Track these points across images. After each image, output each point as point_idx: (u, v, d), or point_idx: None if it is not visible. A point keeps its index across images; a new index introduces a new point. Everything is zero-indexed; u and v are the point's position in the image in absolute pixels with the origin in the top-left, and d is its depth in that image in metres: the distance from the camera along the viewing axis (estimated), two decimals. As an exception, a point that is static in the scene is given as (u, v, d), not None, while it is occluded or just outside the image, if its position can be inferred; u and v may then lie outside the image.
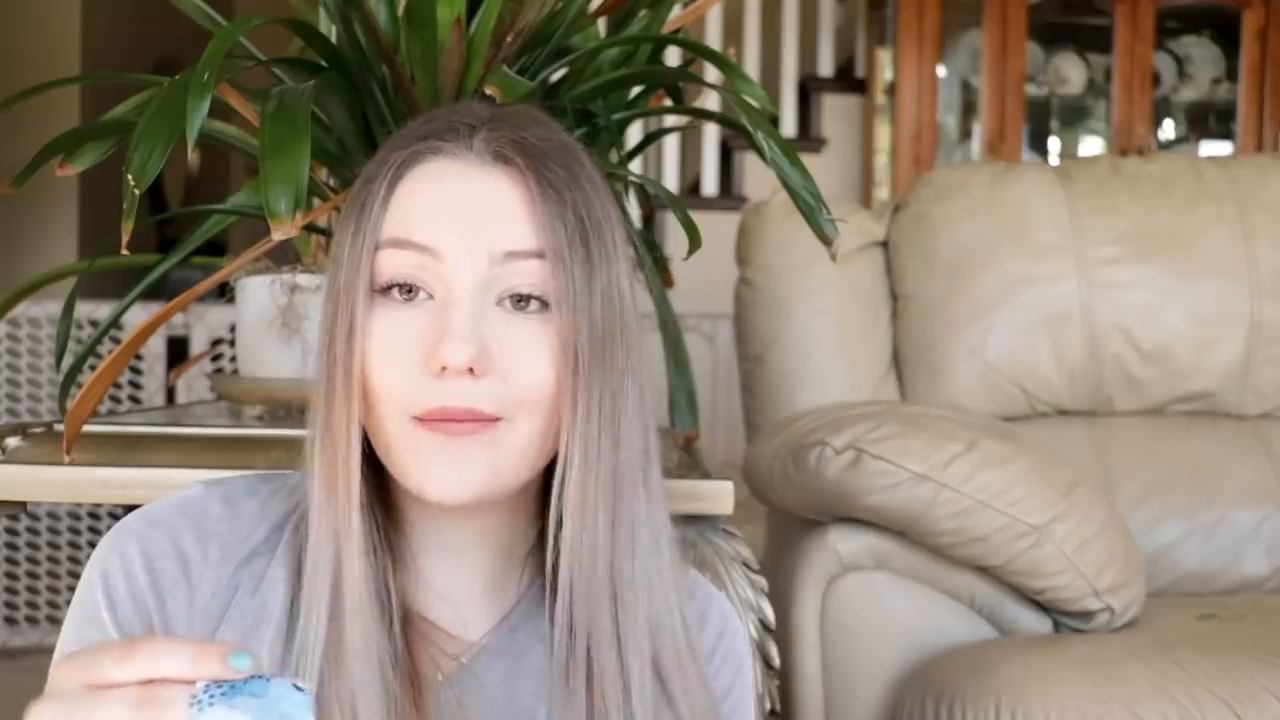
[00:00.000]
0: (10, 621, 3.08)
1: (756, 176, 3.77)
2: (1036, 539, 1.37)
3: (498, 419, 0.66)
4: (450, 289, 0.66)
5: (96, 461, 0.99)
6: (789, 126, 3.89)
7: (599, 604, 0.68)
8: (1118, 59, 3.73)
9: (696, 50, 1.09)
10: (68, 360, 1.14)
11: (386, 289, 0.67)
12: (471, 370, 0.65)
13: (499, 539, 0.74)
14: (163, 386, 3.05)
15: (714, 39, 3.82)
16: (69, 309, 1.08)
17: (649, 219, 3.36)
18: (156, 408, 2.67)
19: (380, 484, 0.71)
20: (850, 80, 4.05)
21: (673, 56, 3.20)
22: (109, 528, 0.75)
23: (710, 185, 3.87)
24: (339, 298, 0.67)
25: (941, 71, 3.80)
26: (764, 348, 1.92)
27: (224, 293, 1.14)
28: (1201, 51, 3.97)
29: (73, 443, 0.96)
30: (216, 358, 3.01)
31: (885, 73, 3.88)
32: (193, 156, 1.05)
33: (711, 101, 3.21)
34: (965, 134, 3.98)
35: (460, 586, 0.74)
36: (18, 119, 1.48)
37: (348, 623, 0.66)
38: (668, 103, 1.30)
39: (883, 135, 3.86)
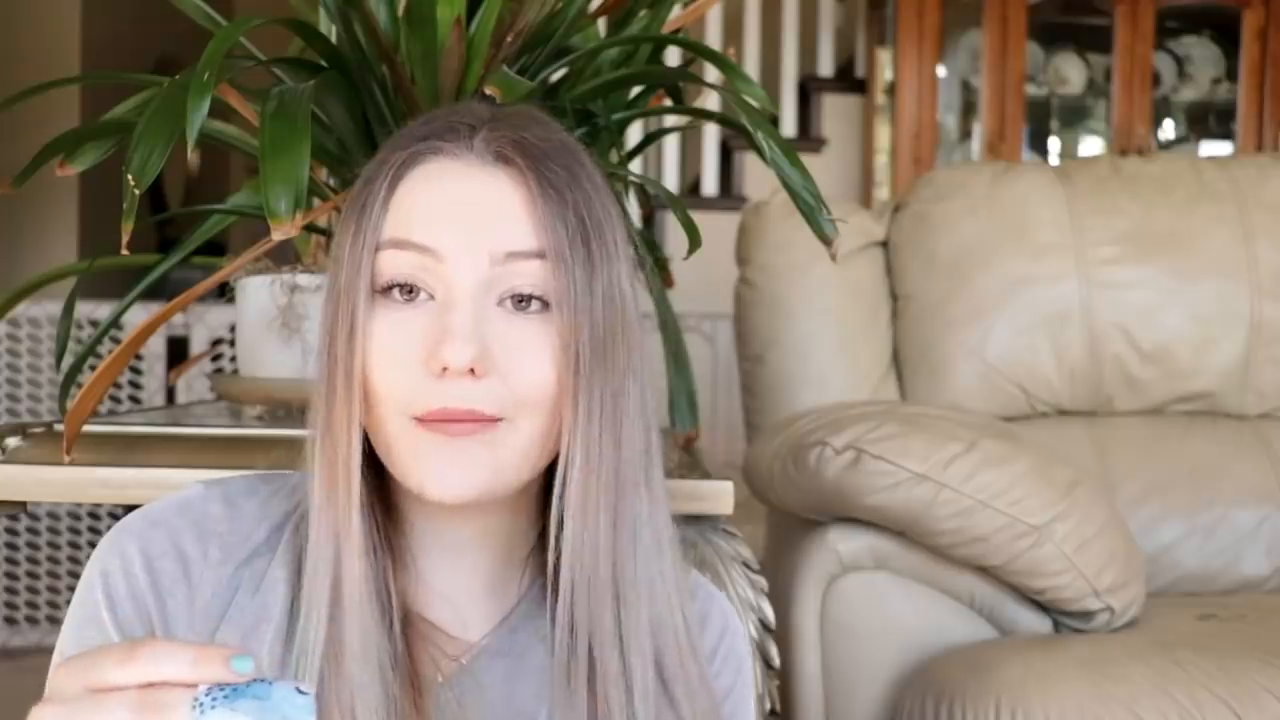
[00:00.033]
0: (10, 621, 3.08)
1: (756, 176, 3.77)
2: (1036, 539, 1.37)
3: (499, 419, 0.66)
4: (451, 289, 0.66)
5: (96, 461, 0.99)
6: (789, 126, 3.89)
7: (601, 604, 0.68)
8: (1118, 59, 3.73)
9: (696, 50, 1.09)
10: (68, 360, 1.14)
11: (387, 289, 0.67)
12: (472, 371, 0.65)
13: (499, 539, 0.74)
14: (163, 386, 3.05)
15: (714, 39, 3.82)
16: (69, 309, 1.08)
17: (649, 219, 3.36)
18: (156, 408, 2.67)
19: (381, 484, 0.71)
20: (850, 80, 4.05)
21: (673, 56, 3.20)
22: (109, 528, 0.75)
23: (710, 185, 3.87)
24: (339, 298, 0.67)
25: (941, 71, 3.80)
26: (764, 348, 1.92)
27: (224, 293, 1.14)
28: (1201, 51, 3.97)
29: (73, 443, 0.96)
30: (216, 358, 3.01)
31: (885, 73, 3.88)
32: (193, 156, 1.05)
33: (711, 101, 3.21)
34: (965, 134, 3.98)
35: (460, 587, 0.73)
36: (18, 119, 1.48)
37: (347, 623, 0.66)
38: (668, 103, 1.30)
39: (883, 135, 3.86)
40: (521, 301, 0.67)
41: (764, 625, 1.05)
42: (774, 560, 1.65)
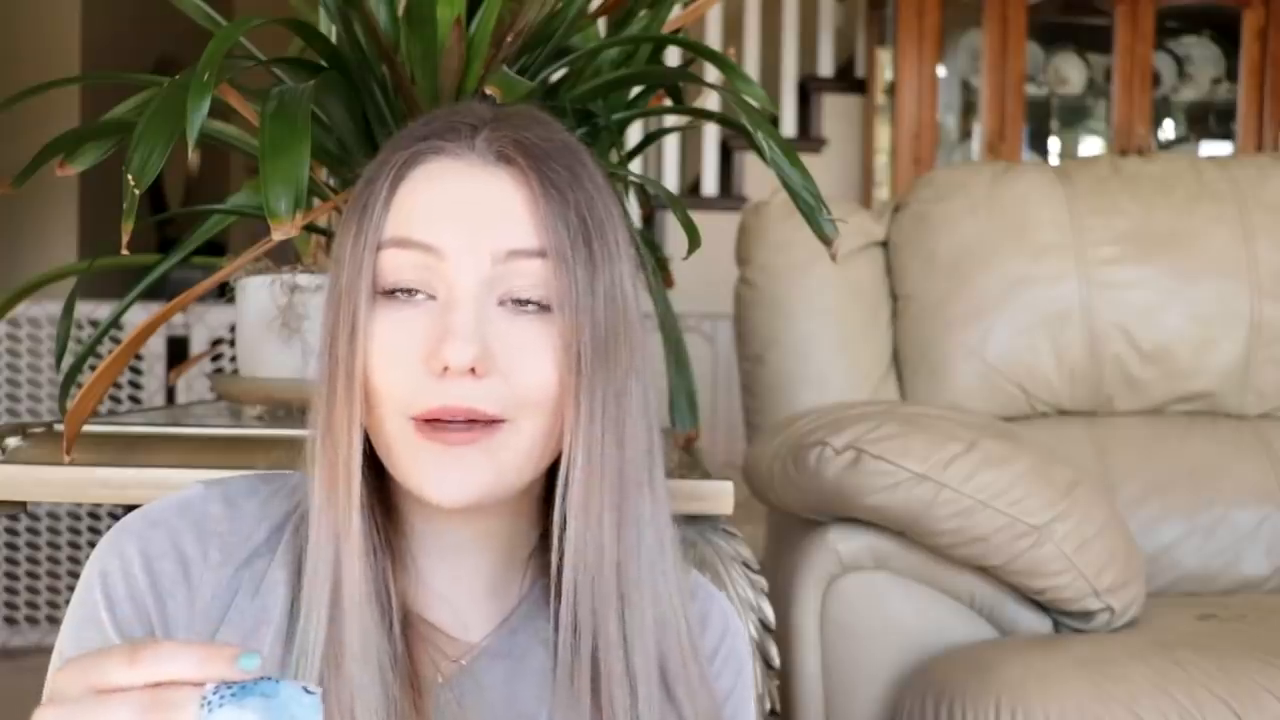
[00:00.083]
0: (10, 621, 3.08)
1: (756, 176, 3.77)
2: (1036, 539, 1.37)
3: (499, 420, 0.66)
4: (453, 289, 0.66)
5: (96, 461, 0.98)
6: (789, 126, 3.89)
7: (606, 604, 0.68)
8: (1118, 59, 3.73)
9: (696, 50, 1.09)
10: (68, 360, 1.14)
11: (389, 294, 0.67)
12: (474, 371, 0.64)
13: (501, 540, 0.73)
14: (163, 386, 3.05)
15: (714, 39, 3.82)
16: (69, 309, 1.08)
17: (649, 219, 3.36)
18: (156, 408, 2.67)
19: (381, 485, 0.71)
20: (850, 80, 4.05)
21: (673, 56, 3.20)
22: (109, 528, 0.75)
23: (710, 185, 3.87)
24: (341, 299, 0.67)
25: (941, 71, 3.80)
26: (764, 348, 1.92)
27: (224, 293, 1.14)
28: (1201, 51, 3.97)
29: (73, 443, 0.96)
30: (216, 358, 3.01)
31: (885, 73, 3.88)
32: (193, 156, 1.05)
33: (711, 101, 3.21)
34: (965, 134, 3.98)
35: (461, 588, 0.73)
36: (18, 119, 1.48)
37: (347, 624, 0.66)
38: (668, 103, 1.30)
39: (883, 135, 3.86)
40: (521, 304, 0.67)
41: (764, 625, 1.05)
42: (774, 560, 1.65)
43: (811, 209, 0.96)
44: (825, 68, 4.02)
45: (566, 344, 0.66)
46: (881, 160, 3.86)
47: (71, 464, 0.97)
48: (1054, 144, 4.07)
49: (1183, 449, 1.89)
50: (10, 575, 3.09)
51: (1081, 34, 3.94)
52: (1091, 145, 4.04)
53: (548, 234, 0.66)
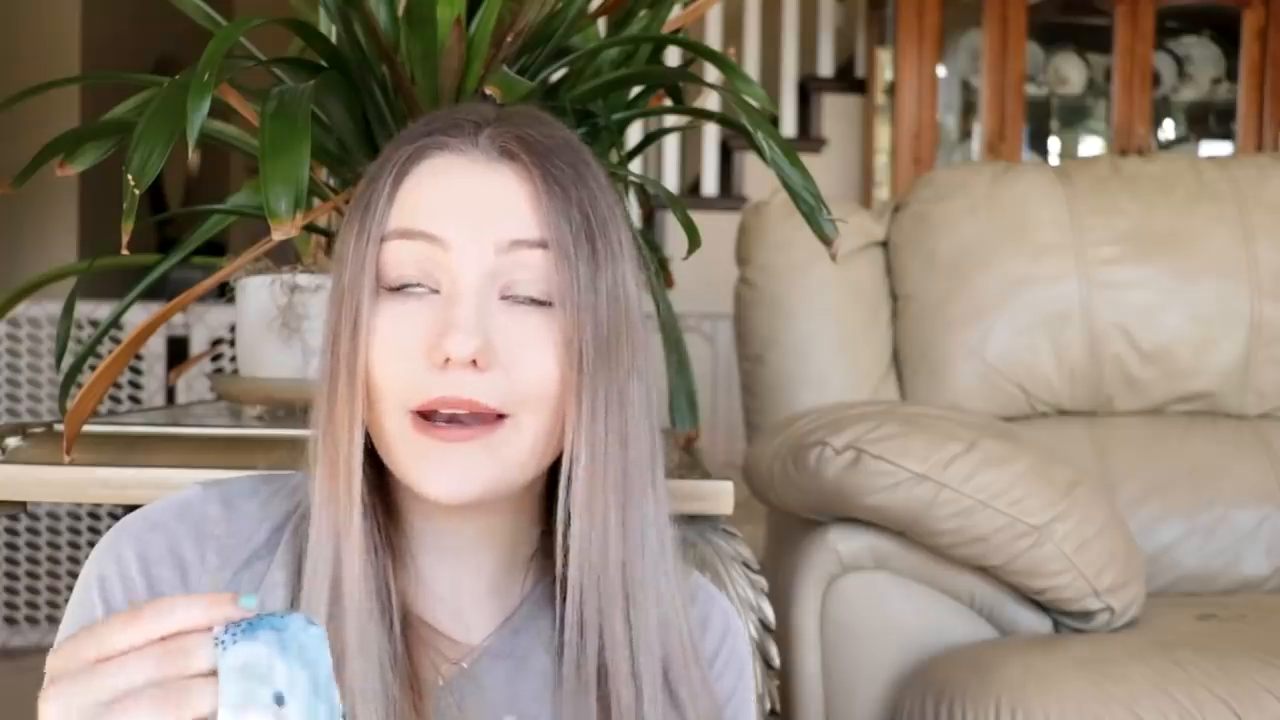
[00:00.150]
0: (10, 621, 3.08)
1: (756, 176, 3.77)
2: (1036, 539, 1.37)
3: (500, 415, 0.66)
4: (456, 282, 0.66)
5: (96, 461, 0.98)
6: (789, 126, 3.89)
7: (611, 604, 0.68)
8: (1118, 59, 3.73)
9: (696, 50, 1.09)
10: (68, 360, 1.14)
11: (392, 290, 0.67)
12: (475, 364, 0.64)
13: (502, 540, 0.73)
14: (163, 386, 3.05)
15: (714, 39, 3.82)
16: (69, 309, 1.08)
17: (649, 219, 3.36)
18: (156, 408, 2.67)
19: (382, 484, 0.71)
20: (850, 80, 4.05)
21: (673, 56, 3.20)
22: (109, 528, 0.75)
23: (710, 185, 3.87)
24: (343, 295, 0.67)
25: (941, 71, 3.80)
26: (764, 348, 1.92)
27: (224, 293, 1.14)
28: (1201, 51, 3.97)
29: (73, 443, 0.96)
30: (216, 358, 3.01)
31: (885, 73, 3.88)
32: (193, 156, 1.05)
33: (711, 101, 3.21)
34: (965, 134, 3.98)
35: (462, 589, 0.73)
36: (18, 119, 1.48)
37: (347, 622, 0.65)
38: (668, 103, 1.30)
39: (883, 135, 3.86)
40: (522, 300, 0.67)
41: (764, 625, 1.05)
42: (774, 560, 1.65)
43: (811, 209, 0.96)
44: (825, 68, 4.02)
45: (568, 340, 0.66)
46: (881, 160, 3.86)
47: (71, 464, 0.97)
48: (1054, 144, 4.07)
49: (1183, 449, 1.89)
50: (10, 575, 3.09)
51: (1081, 34, 3.94)
52: (1091, 145, 4.04)
53: (550, 228, 0.66)
